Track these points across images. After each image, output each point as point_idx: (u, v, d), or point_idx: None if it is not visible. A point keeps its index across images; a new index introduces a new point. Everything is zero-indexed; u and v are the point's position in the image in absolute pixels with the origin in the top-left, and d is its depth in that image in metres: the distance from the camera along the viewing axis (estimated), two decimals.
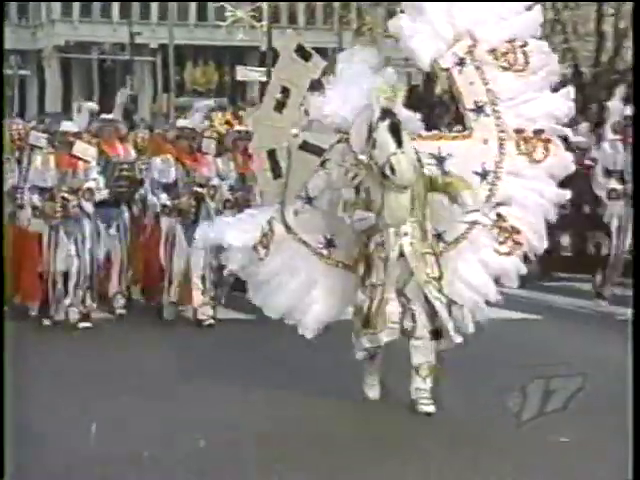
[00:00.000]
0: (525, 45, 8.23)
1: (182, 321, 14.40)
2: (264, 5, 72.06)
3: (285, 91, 8.37)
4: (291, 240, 8.50)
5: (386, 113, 7.73)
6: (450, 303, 8.19)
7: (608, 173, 14.28)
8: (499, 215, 8.35)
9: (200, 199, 13.74)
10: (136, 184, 14.99)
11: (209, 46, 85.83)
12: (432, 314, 8.17)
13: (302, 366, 10.02)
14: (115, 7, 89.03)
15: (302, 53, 8.52)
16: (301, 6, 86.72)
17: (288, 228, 8.48)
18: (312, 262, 8.50)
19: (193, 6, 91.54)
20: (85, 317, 13.55)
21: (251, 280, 9.01)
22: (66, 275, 13.48)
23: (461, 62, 8.21)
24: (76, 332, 13.47)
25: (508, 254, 8.42)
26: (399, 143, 7.69)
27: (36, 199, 13.39)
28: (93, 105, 16.79)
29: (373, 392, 8.69)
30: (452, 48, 8.29)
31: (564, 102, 8.41)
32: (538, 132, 8.14)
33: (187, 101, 63.28)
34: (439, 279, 8.15)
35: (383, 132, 7.66)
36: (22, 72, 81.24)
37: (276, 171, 8.44)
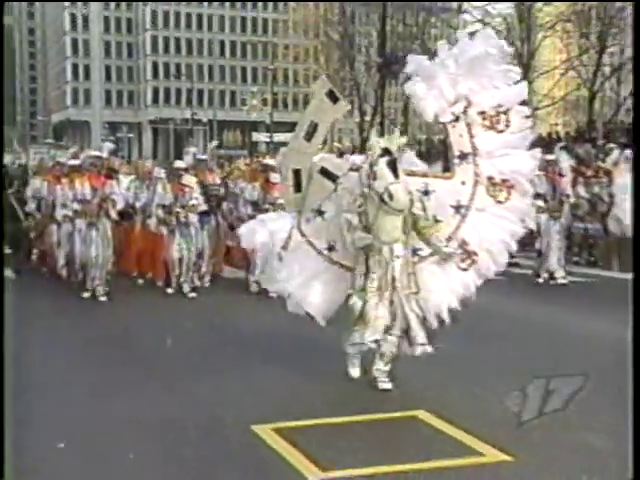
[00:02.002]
0: (508, 111, 6.95)
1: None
2: (269, 97, 71.98)
3: (314, 125, 7.01)
4: (303, 242, 7.20)
5: (385, 152, 6.55)
6: (424, 315, 6.85)
7: (537, 196, 12.20)
8: (464, 240, 7.05)
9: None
10: (221, 200, 13.99)
11: (237, 121, 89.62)
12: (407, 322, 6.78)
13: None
14: (184, 97, 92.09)
15: (331, 96, 7.10)
16: (290, 101, 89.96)
17: (302, 233, 7.19)
18: (317, 260, 7.16)
19: (228, 97, 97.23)
20: (193, 290, 12.57)
21: (271, 277, 7.56)
22: (180, 261, 12.55)
23: (456, 119, 6.92)
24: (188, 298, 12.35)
25: (465, 270, 7.08)
26: (396, 175, 6.46)
27: (160, 212, 12.48)
28: (195, 149, 15.78)
29: (355, 371, 7.05)
30: (451, 107, 6.98)
31: (530, 161, 7.11)
32: (504, 181, 6.91)
33: (224, 153, 67.72)
34: (416, 293, 6.83)
35: (382, 166, 6.47)
36: (129, 135, 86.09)
37: (297, 187, 7.14)
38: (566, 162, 16.30)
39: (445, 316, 6.99)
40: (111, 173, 12.71)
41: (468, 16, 41.19)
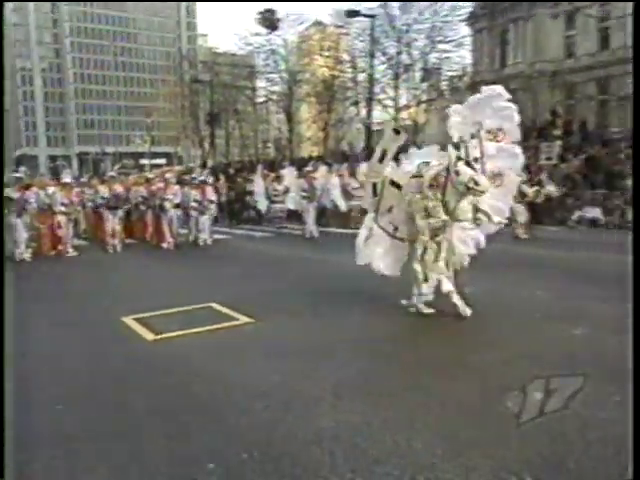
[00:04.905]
0: (503, 129, 5.82)
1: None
2: (148, 138, 65.06)
3: (384, 152, 5.77)
4: (379, 230, 5.93)
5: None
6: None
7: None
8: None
9: None
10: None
11: (130, 152, 79.64)
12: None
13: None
14: (96, 138, 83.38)
15: (396, 131, 5.86)
16: (162, 140, 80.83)
17: (378, 225, 5.92)
18: (387, 239, 5.89)
19: (124, 138, 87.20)
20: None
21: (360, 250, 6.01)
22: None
23: (473, 136, 5.69)
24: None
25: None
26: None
27: (63, 208, 11.24)
28: (70, 170, 12.87)
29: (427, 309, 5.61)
30: (470, 129, 5.75)
31: (519, 160, 5.97)
32: (499, 173, 5.77)
33: (125, 171, 61.50)
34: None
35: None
36: (63, 163, 70.91)
37: (374, 193, 5.93)
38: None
39: (467, 262, 5.85)
40: (28, 187, 11.59)
41: (260, 92, 40.06)
